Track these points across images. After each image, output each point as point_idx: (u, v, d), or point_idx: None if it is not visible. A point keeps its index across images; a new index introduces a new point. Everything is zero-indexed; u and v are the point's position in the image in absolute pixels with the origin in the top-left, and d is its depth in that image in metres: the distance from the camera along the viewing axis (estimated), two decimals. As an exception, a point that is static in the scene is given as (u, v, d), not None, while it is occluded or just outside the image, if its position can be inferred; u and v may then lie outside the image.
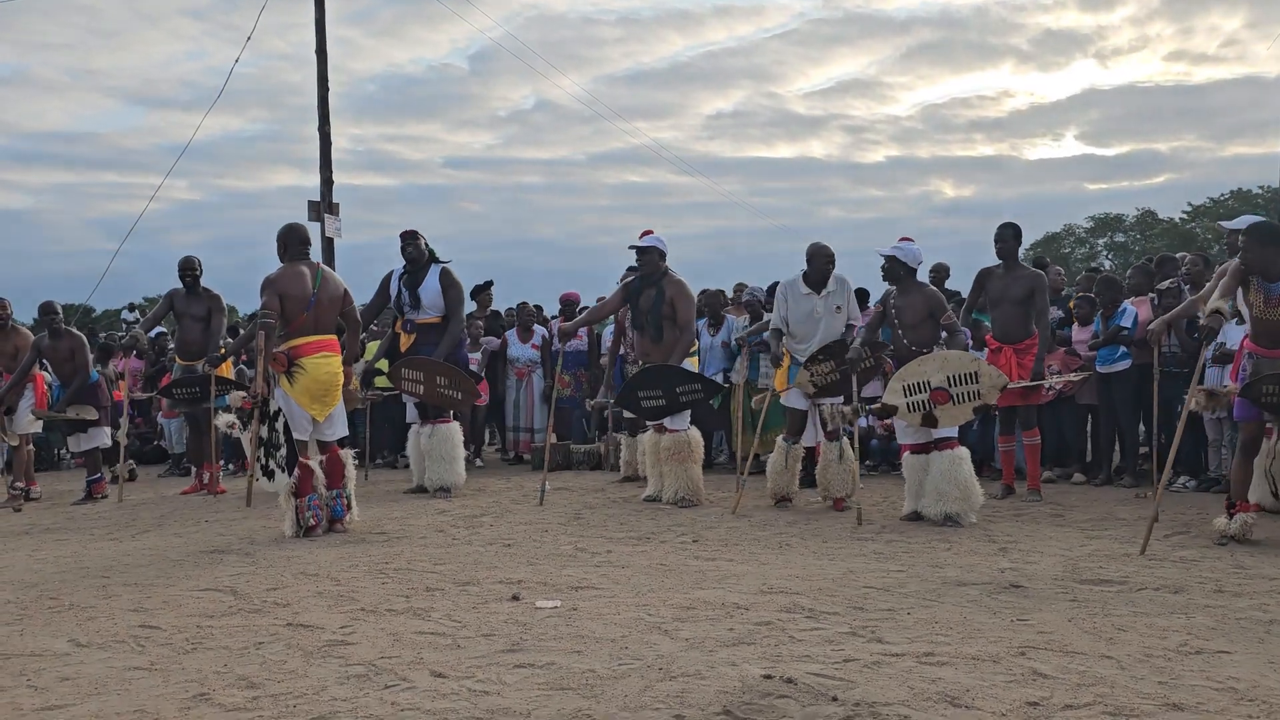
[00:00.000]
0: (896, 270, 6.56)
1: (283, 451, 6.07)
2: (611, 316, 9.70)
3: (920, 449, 6.35)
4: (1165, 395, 7.11)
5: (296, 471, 5.98)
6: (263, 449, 6.09)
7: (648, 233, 7.27)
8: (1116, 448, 8.11)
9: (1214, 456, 7.52)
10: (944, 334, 6.50)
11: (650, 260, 7.17)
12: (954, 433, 6.28)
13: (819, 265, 6.86)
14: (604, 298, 8.30)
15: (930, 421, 6.14)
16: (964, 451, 6.23)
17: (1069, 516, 6.27)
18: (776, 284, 9.48)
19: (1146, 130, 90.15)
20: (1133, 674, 3.13)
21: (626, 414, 8.60)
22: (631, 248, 7.26)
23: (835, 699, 2.92)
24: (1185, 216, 45.89)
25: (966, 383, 6.02)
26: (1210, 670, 3.17)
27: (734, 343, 8.95)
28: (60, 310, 8.73)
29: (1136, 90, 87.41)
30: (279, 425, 6.10)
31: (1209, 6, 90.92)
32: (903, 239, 6.67)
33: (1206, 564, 4.81)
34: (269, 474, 6.13)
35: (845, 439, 6.79)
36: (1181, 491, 7.29)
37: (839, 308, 6.88)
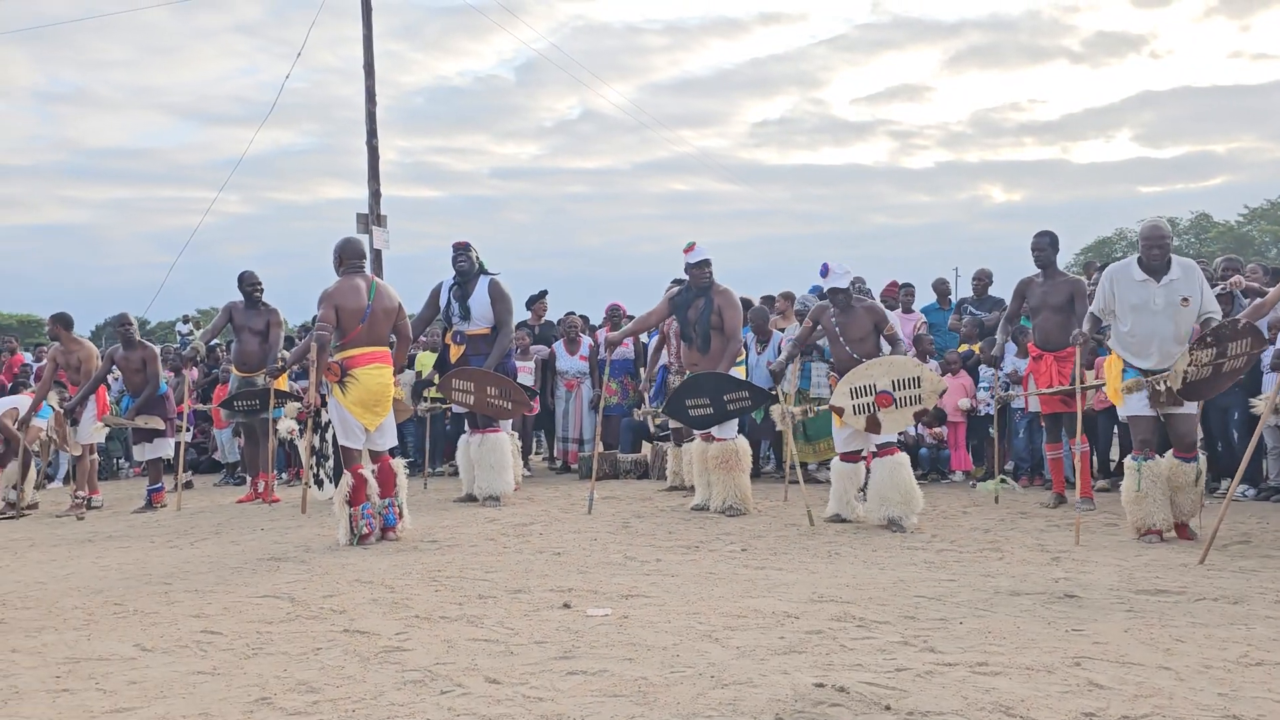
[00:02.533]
0: (844, 299, 6.66)
1: (331, 463, 6.17)
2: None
3: (849, 457, 6.64)
4: (1221, 403, 6.99)
5: (350, 480, 6.09)
6: (314, 459, 6.20)
7: (692, 246, 7.28)
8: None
9: (1273, 464, 7.37)
10: (887, 345, 6.68)
11: (704, 273, 7.21)
12: (894, 439, 6.48)
13: (1152, 249, 5.65)
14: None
15: (874, 425, 6.35)
16: (904, 457, 6.44)
17: (1124, 525, 6.18)
18: (822, 291, 9.48)
19: (1203, 131, 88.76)
20: (1191, 685, 3.09)
21: (673, 423, 8.64)
22: (690, 267, 7.26)
23: (888, 708, 2.92)
24: (1241, 219, 44.97)
25: (909, 387, 6.27)
26: (1271, 682, 3.11)
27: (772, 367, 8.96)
28: (134, 321, 8.97)
29: (1193, 91, 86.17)
30: (328, 436, 6.20)
31: (1269, 2, 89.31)
32: (824, 264, 6.74)
33: (1267, 574, 4.72)
34: (319, 483, 6.24)
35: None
36: (1240, 500, 7.15)
37: (1185, 300, 5.62)
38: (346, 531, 6.08)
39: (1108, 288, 5.80)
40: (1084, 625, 3.82)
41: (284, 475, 10.33)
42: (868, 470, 6.65)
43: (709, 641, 3.70)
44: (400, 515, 6.35)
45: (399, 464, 6.43)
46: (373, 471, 6.23)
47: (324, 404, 6.31)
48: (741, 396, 7.01)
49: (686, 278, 7.40)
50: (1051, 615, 4.00)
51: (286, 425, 6.54)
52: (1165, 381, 5.52)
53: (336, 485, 6.13)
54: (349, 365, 6.13)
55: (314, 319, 6.29)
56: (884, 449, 6.41)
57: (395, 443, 6.52)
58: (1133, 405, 5.74)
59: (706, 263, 7.23)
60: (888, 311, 6.99)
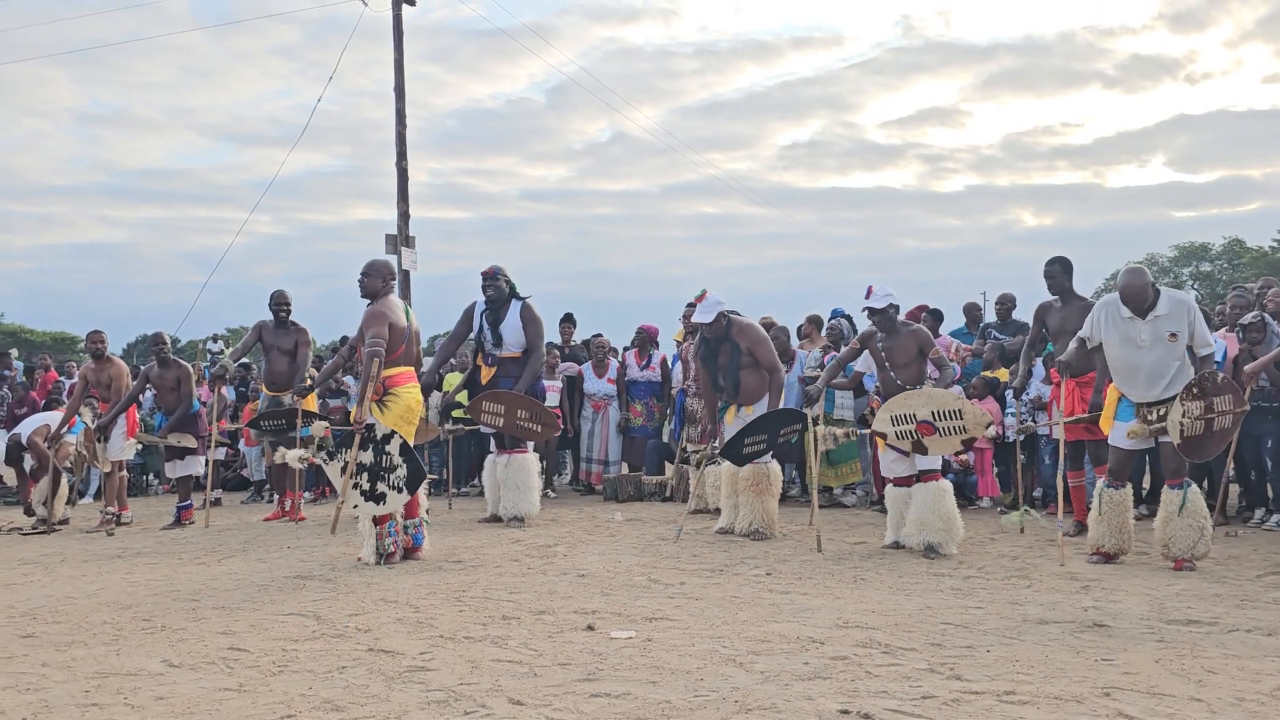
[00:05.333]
0: (890, 319, 6.57)
1: (400, 472, 6.11)
2: (677, 345, 9.79)
3: (904, 482, 6.50)
4: (1253, 431, 6.91)
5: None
6: (365, 474, 6.12)
7: (703, 295, 7.22)
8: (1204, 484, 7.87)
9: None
10: (934, 369, 6.59)
11: (718, 326, 7.10)
12: (937, 464, 6.42)
13: (1133, 295, 5.68)
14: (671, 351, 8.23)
15: (920, 449, 6.28)
16: (947, 484, 6.38)
17: (1155, 554, 6.10)
18: (845, 314, 9.48)
19: (1239, 156, 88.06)
20: (1224, 718, 3.04)
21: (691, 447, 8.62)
22: (699, 322, 7.12)
23: (914, 736, 2.89)
24: (1275, 244, 44.50)
25: (951, 418, 6.16)
26: (1307, 716, 3.06)
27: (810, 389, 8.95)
28: (169, 340, 9.10)
29: (1229, 115, 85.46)
30: (390, 448, 6.12)
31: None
32: (870, 287, 6.66)
33: (1302, 606, 4.64)
34: (380, 498, 6.10)
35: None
36: (1275, 530, 7.05)
37: (1173, 335, 5.64)
38: (373, 551, 6.10)
39: (1098, 318, 5.90)
40: (1114, 655, 3.77)
41: (309, 494, 10.39)
42: None
43: (733, 666, 3.68)
44: (426, 534, 6.37)
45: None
46: None
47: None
48: (795, 428, 6.98)
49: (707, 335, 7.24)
50: (1080, 644, 3.95)
51: (295, 454, 6.44)
52: (1158, 419, 5.66)
53: (413, 493, 6.10)
54: (390, 384, 6.16)
55: (353, 337, 6.26)
56: (927, 474, 6.35)
57: None
58: (1116, 435, 5.89)
59: (718, 319, 7.07)
60: (933, 336, 6.89)
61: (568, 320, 11.23)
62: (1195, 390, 5.51)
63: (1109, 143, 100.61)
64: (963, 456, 8.76)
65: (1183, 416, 5.51)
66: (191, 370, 9.12)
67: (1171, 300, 5.68)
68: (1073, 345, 6.08)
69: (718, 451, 7.17)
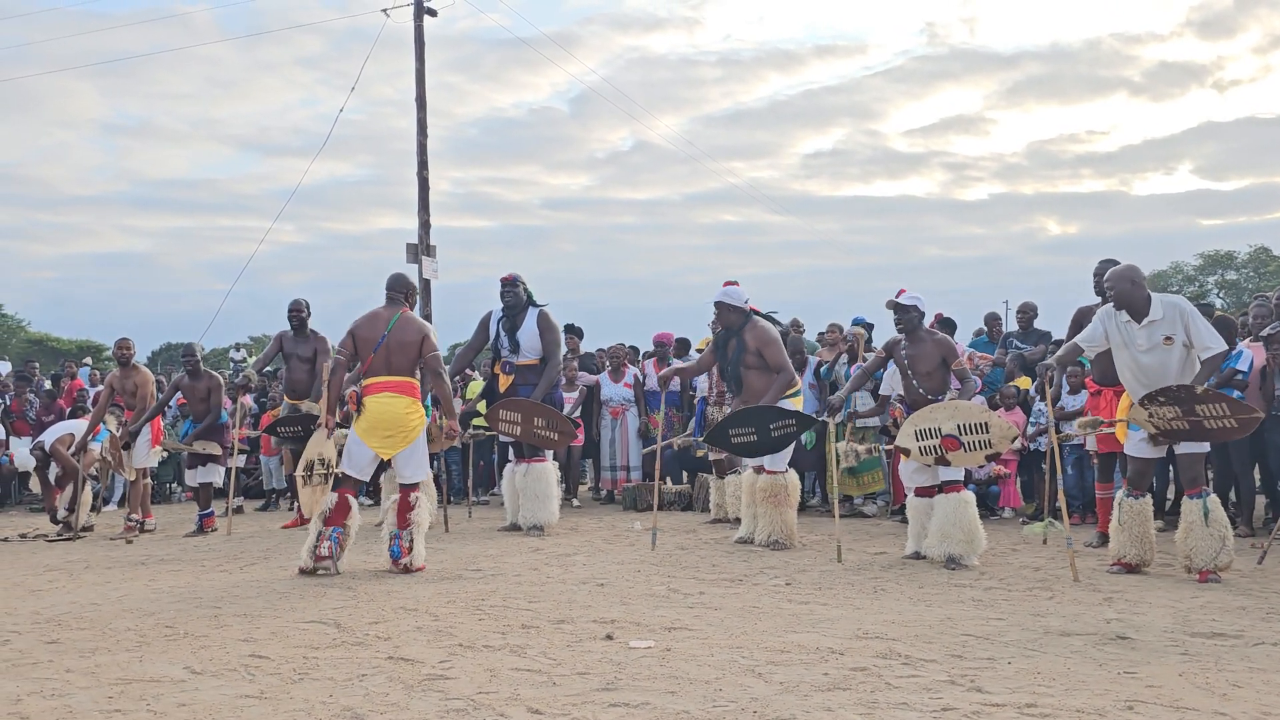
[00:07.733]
0: (914, 320, 6.54)
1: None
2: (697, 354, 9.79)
3: (925, 492, 6.47)
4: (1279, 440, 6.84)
5: (334, 500, 6.12)
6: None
7: (730, 283, 7.22)
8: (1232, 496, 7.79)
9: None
10: (956, 380, 6.55)
11: (725, 317, 7.11)
12: (960, 475, 6.37)
13: (1120, 291, 5.72)
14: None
15: (943, 462, 6.27)
16: (969, 495, 6.34)
17: (1179, 566, 6.04)
18: (866, 322, 9.45)
19: (1267, 163, 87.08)
20: (1249, 732, 3.01)
21: (712, 455, 8.62)
22: (715, 302, 7.16)
23: (934, 748, 2.87)
24: (1302, 253, 44.03)
25: (977, 432, 6.11)
26: (1334, 731, 3.02)
27: (824, 371, 8.98)
28: (199, 352, 9.21)
29: (1257, 122, 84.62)
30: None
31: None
32: (901, 291, 6.63)
33: (1329, 619, 4.58)
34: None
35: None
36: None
37: (1168, 338, 5.64)
38: (310, 547, 6.07)
39: (1100, 325, 5.89)
40: (1137, 668, 3.74)
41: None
42: None
43: (752, 676, 3.67)
44: (407, 550, 6.15)
45: (421, 499, 6.29)
46: (393, 501, 6.28)
47: (340, 426, 6.46)
48: (788, 424, 6.92)
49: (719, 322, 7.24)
50: (1103, 657, 3.92)
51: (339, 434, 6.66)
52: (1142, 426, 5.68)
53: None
54: (363, 394, 6.24)
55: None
56: (950, 485, 6.32)
57: (422, 476, 6.39)
58: (1132, 445, 5.91)
59: (727, 306, 7.05)
60: (958, 345, 6.86)
61: (572, 330, 11.20)
62: (1161, 399, 5.50)
63: (1135, 150, 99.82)
64: (999, 468, 8.67)
65: (1148, 417, 5.57)
66: (223, 381, 9.20)
67: (1164, 304, 5.70)
68: (1062, 353, 6.17)
69: (701, 439, 7.16)
